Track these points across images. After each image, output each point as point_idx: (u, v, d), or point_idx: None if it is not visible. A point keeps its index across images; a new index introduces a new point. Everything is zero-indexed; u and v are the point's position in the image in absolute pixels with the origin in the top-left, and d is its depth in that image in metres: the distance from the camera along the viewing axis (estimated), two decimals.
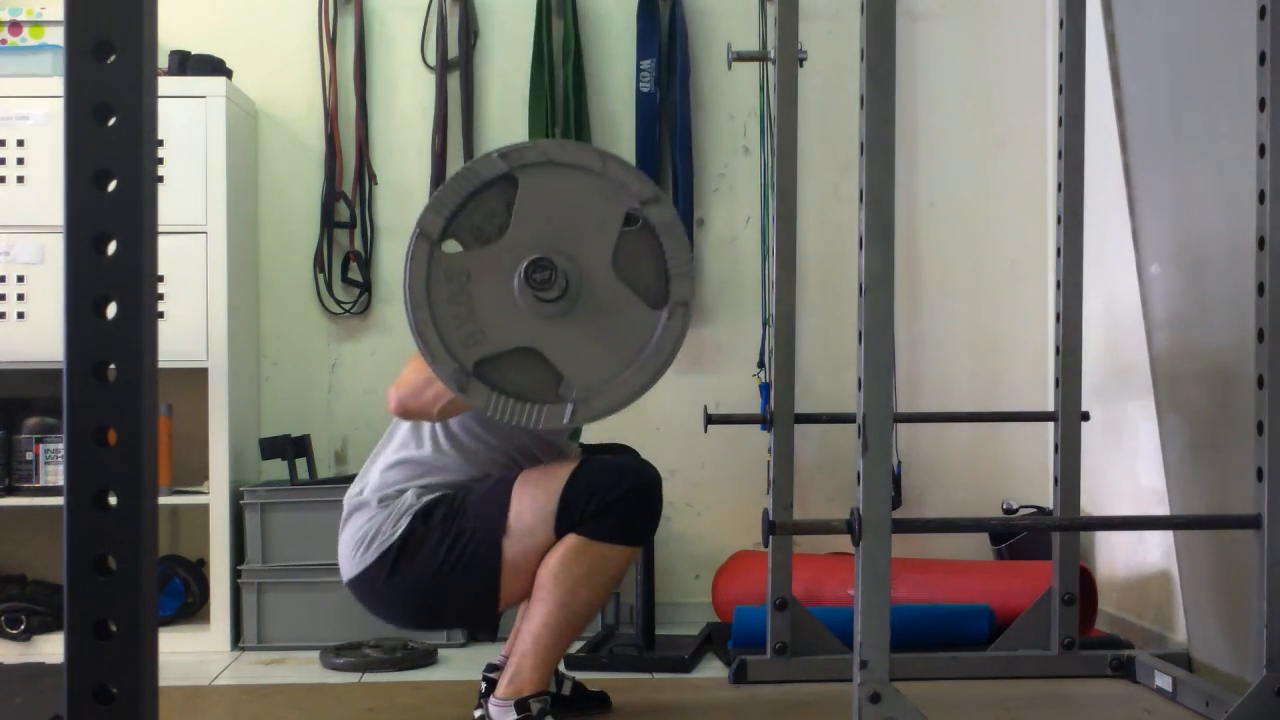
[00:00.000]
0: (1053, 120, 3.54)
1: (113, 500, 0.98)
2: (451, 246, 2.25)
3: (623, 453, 2.84)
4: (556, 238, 2.21)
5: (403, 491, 2.63)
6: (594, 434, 2.95)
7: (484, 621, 2.67)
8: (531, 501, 2.54)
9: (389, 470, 2.67)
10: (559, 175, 2.22)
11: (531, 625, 2.57)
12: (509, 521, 2.54)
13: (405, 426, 2.70)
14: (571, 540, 2.52)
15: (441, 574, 2.56)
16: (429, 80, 3.97)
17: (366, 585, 2.63)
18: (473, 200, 2.21)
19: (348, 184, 3.95)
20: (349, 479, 3.54)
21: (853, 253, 2.26)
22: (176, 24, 3.82)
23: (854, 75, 2.26)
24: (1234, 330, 2.76)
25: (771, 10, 3.55)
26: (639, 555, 3.14)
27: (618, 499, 2.52)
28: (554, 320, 2.20)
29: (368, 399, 3.89)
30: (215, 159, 3.56)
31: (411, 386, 2.55)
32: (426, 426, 2.67)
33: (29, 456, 3.59)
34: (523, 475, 2.60)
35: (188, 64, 3.67)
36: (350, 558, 2.64)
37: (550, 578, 2.53)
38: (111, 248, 0.98)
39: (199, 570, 3.71)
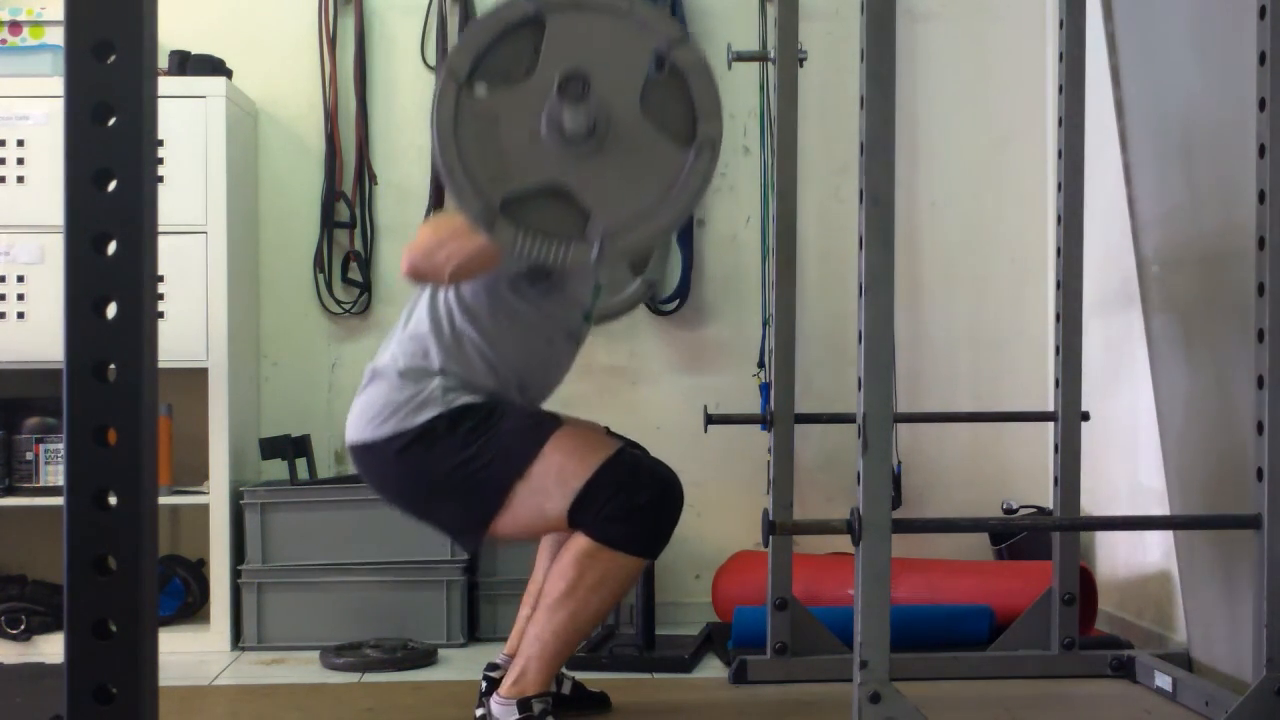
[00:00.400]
0: (1053, 120, 3.53)
1: (113, 500, 0.98)
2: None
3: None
4: None
5: (427, 374, 2.60)
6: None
7: (464, 541, 2.68)
8: (559, 469, 2.53)
9: (408, 342, 2.65)
10: (586, 17, 2.18)
11: (538, 628, 2.57)
12: (531, 471, 2.53)
13: (423, 301, 2.67)
14: (586, 545, 2.51)
15: (447, 481, 2.56)
16: (429, 80, 3.96)
17: (370, 454, 2.63)
18: (500, 42, 2.17)
19: (348, 184, 3.94)
20: (349, 479, 3.57)
21: (853, 253, 2.26)
22: (176, 24, 3.82)
23: (854, 75, 2.26)
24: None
25: (771, 10, 3.55)
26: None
27: (641, 507, 2.51)
28: (581, 159, 2.16)
29: None
30: (215, 159, 3.56)
31: (424, 248, 2.53)
32: (442, 300, 2.64)
33: (29, 456, 3.58)
34: (560, 432, 2.57)
35: (188, 64, 3.67)
36: (362, 424, 2.63)
37: (562, 581, 2.52)
38: (111, 248, 0.98)
39: (199, 570, 3.70)
